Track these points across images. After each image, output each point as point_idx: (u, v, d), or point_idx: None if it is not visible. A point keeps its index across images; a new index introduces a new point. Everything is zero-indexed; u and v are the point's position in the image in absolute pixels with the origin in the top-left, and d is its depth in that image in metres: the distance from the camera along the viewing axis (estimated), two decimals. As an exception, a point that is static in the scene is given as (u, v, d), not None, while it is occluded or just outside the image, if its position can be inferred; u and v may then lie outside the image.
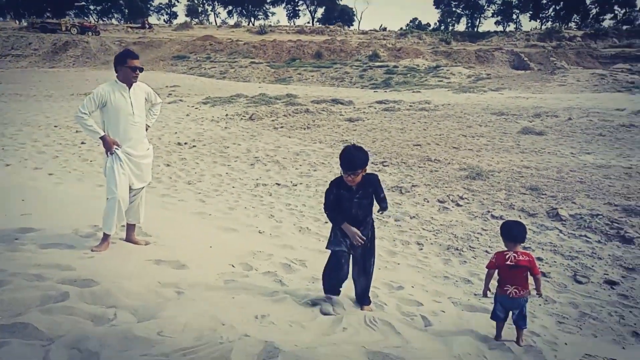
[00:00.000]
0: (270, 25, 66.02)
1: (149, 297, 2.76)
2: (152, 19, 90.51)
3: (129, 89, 4.24)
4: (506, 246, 3.39)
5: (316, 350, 2.16)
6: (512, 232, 3.35)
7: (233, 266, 4.23)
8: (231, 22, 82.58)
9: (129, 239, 4.51)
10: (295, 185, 8.17)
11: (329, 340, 2.42)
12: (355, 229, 3.53)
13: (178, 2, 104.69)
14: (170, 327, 2.28)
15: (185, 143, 11.32)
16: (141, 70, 4.29)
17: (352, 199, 3.52)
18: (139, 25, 59.87)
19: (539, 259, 5.53)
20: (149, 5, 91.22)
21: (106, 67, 37.48)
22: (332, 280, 3.77)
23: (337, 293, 3.82)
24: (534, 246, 5.78)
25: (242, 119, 14.91)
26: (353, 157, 3.36)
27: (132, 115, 4.25)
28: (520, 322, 3.37)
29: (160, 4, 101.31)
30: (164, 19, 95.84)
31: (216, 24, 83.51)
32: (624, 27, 56.52)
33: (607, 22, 67.60)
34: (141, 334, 2.17)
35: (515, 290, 3.27)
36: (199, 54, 43.00)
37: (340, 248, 3.61)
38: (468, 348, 2.99)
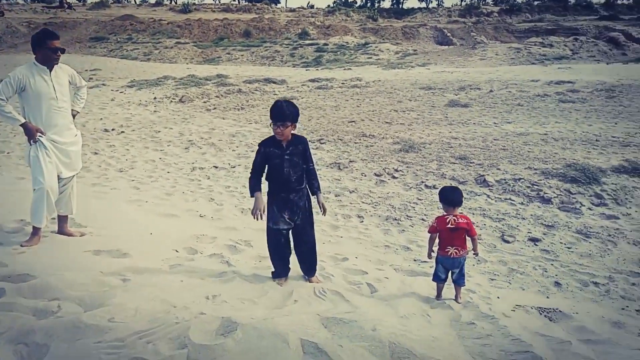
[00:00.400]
0: (194, 4, 63.29)
1: (93, 286, 2.65)
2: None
3: (50, 71, 3.98)
4: (445, 210, 3.61)
5: (273, 320, 2.21)
6: (451, 197, 3.61)
7: (177, 251, 4.16)
8: (152, 0, 78.32)
9: (61, 231, 4.28)
10: (234, 167, 8.07)
11: (282, 313, 2.48)
12: (260, 203, 3.46)
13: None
14: (122, 314, 2.23)
15: (113, 129, 10.75)
16: (63, 51, 4.03)
17: (283, 156, 3.50)
18: (57, 4, 53.94)
19: (470, 222, 5.92)
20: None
21: (14, 51, 34.40)
22: (276, 260, 3.74)
23: (286, 274, 3.79)
24: (465, 211, 6.15)
25: (171, 101, 14.36)
26: (283, 108, 3.37)
27: (55, 100, 3.99)
28: (460, 280, 3.63)
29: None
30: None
31: (135, 2, 78.84)
32: (535, 3, 60.11)
33: (521, -2, 71.42)
34: (91, 322, 2.11)
35: (455, 250, 3.52)
36: (119, 35, 40.56)
37: (277, 226, 3.58)
38: (412, 309, 3.18)
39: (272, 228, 3.63)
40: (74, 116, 4.31)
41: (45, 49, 3.89)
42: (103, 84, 18.15)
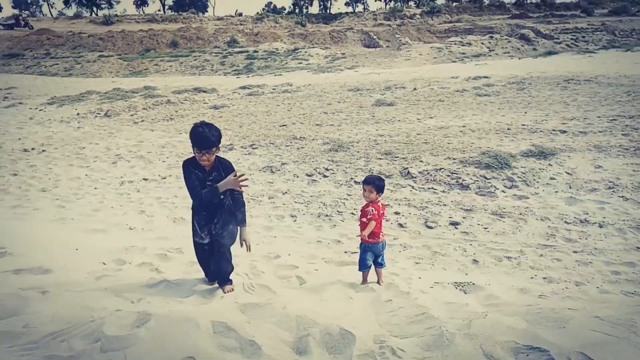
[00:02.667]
0: (116, 15, 60.99)
1: (7, 301, 2.59)
2: (-32, 13, 77.86)
3: None
4: (375, 197, 3.74)
5: (188, 309, 2.31)
6: (383, 185, 3.80)
7: (104, 264, 4.11)
8: (69, 12, 74.57)
9: None
10: (164, 177, 7.98)
11: (204, 306, 2.57)
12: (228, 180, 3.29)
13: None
14: (37, 320, 2.23)
15: (33, 148, 10.22)
16: None
17: (205, 182, 3.32)
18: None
19: (396, 212, 6.27)
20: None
21: None
22: (203, 268, 3.68)
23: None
24: (392, 202, 6.49)
25: (96, 116, 13.83)
26: (206, 135, 3.16)
27: None
28: (383, 262, 3.88)
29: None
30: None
31: (52, 15, 74.71)
32: (454, 4, 63.44)
33: (440, 0, 75.11)
34: (3, 329, 2.10)
35: (382, 234, 3.77)
36: (36, 51, 38.24)
37: (199, 240, 3.48)
38: (337, 294, 3.37)
39: (197, 243, 3.54)
40: None
41: None
42: (20, 103, 17.13)
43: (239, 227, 3.49)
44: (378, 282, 3.87)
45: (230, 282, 3.58)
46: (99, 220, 6.12)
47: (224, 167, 3.39)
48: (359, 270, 3.94)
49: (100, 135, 11.40)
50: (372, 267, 3.93)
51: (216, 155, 3.36)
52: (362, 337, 2.08)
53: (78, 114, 14.33)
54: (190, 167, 3.33)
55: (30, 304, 2.49)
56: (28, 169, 8.77)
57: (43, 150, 10.04)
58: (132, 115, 13.82)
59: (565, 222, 5.72)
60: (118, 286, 3.18)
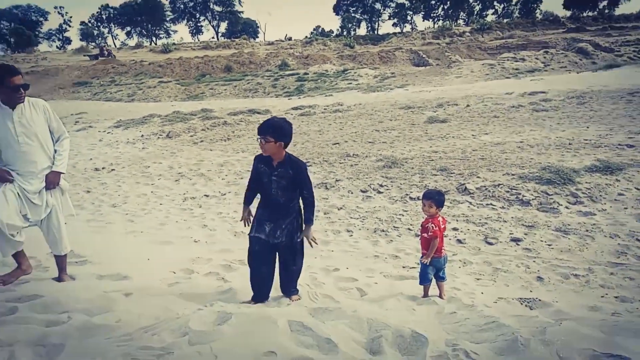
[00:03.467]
0: (174, 44, 64.53)
1: (98, 301, 2.83)
2: (43, 47, 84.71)
3: (13, 111, 3.55)
4: (435, 212, 3.75)
5: (265, 312, 2.43)
6: (443, 199, 3.79)
7: (174, 272, 4.35)
8: (132, 43, 79.62)
9: (58, 277, 3.84)
10: (224, 194, 8.30)
11: (277, 308, 2.68)
12: (244, 212, 3.52)
13: (70, 26, 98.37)
14: (127, 317, 2.42)
15: (103, 168, 10.95)
16: (26, 87, 3.59)
17: (271, 176, 3.40)
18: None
19: (455, 229, 6.19)
20: (37, 32, 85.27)
21: None
22: (253, 277, 3.54)
23: (262, 299, 3.54)
24: (449, 219, 6.43)
25: (159, 137, 14.63)
26: (267, 121, 3.36)
27: (17, 144, 3.55)
28: (444, 276, 3.86)
29: (50, 30, 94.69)
30: (56, 46, 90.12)
31: (115, 46, 80.00)
32: (505, 21, 62.28)
33: (490, 17, 74.12)
34: (100, 323, 2.30)
35: (444, 249, 3.77)
36: (102, 79, 41.04)
37: (256, 234, 3.44)
38: (398, 305, 3.39)
39: (250, 236, 3.51)
40: (56, 180, 3.76)
41: (6, 87, 3.46)
42: (90, 126, 18.40)
43: (305, 225, 3.50)
44: (440, 296, 3.85)
45: (297, 291, 3.64)
46: (166, 233, 6.45)
47: (293, 166, 3.43)
48: (420, 284, 3.93)
49: (163, 155, 12.03)
50: (433, 281, 3.92)
51: (288, 153, 3.45)
52: (434, 340, 2.10)
53: (142, 135, 15.21)
54: (255, 160, 3.52)
55: (118, 304, 2.71)
56: (99, 187, 9.39)
57: (112, 170, 10.72)
58: (191, 136, 14.49)
59: (637, 239, 5.44)
60: (191, 292, 3.37)
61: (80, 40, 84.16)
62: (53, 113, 3.87)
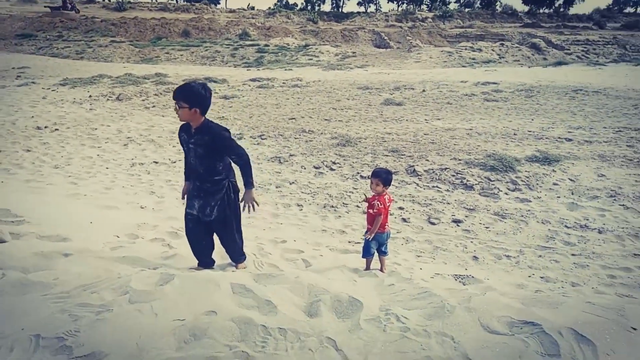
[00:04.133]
0: (129, 2, 61.09)
1: (35, 259, 2.75)
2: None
3: None
4: (381, 190, 3.84)
5: (209, 274, 2.46)
6: (390, 178, 3.88)
7: (118, 237, 4.27)
8: (83, -4, 74.65)
9: None
10: (174, 162, 8.13)
11: (221, 272, 2.73)
12: (184, 190, 3.43)
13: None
14: (65, 276, 2.38)
15: (46, 127, 10.40)
16: None
17: (189, 144, 3.27)
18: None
19: (401, 208, 6.41)
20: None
21: None
22: (192, 248, 3.53)
23: (208, 266, 3.54)
24: (397, 198, 6.63)
25: (108, 99, 14.01)
26: (182, 86, 3.15)
27: None
28: (386, 251, 4.02)
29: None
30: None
31: (65, -2, 74.79)
32: (466, 10, 63.42)
33: (453, 6, 75.16)
34: (37, 280, 2.25)
35: (387, 225, 3.90)
36: (49, 32, 38.51)
37: (188, 209, 3.38)
38: (341, 276, 3.52)
39: (186, 212, 3.44)
40: None
41: None
42: (32, 82, 17.33)
43: (245, 189, 3.32)
44: (381, 270, 4.02)
45: (243, 259, 3.62)
46: (111, 197, 6.28)
47: (210, 132, 3.19)
48: (363, 257, 4.08)
49: (112, 117, 11.57)
50: (376, 255, 4.07)
51: (207, 120, 3.24)
52: (369, 306, 2.22)
53: (90, 96, 14.51)
54: (179, 129, 3.37)
55: (56, 263, 2.65)
56: (41, 146, 8.94)
57: (56, 129, 10.21)
58: (143, 100, 13.99)
59: (566, 226, 5.84)
60: (134, 256, 3.34)
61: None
62: None
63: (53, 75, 19.76)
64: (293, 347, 1.91)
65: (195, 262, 3.64)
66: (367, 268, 4.08)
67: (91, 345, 1.83)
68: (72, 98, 14.14)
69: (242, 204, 3.33)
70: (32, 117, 11.44)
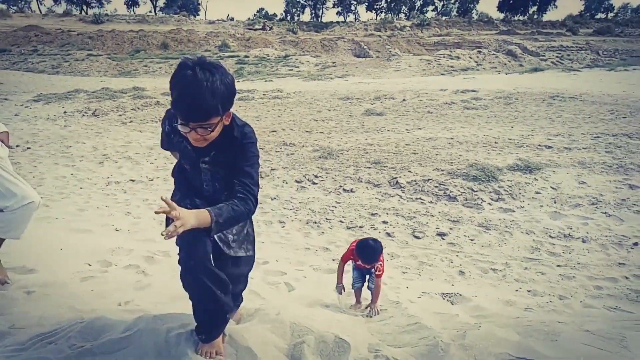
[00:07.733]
0: (106, 14, 60.52)
1: (-8, 301, 2.55)
2: (-46, 6, 76.28)
3: None
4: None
5: (179, 312, 2.29)
6: (372, 254, 3.14)
7: (89, 265, 4.05)
8: (59, 10, 73.85)
9: None
10: (152, 179, 7.91)
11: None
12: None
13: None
14: (23, 322, 2.18)
15: (17, 145, 10.05)
16: None
17: (197, 162, 2.06)
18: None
19: (384, 222, 6.30)
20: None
21: None
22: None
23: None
24: (380, 212, 6.53)
25: (84, 115, 13.68)
26: (196, 89, 1.79)
27: None
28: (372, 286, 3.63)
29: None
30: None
31: (40, 12, 73.83)
32: (444, 18, 64.41)
33: (430, 14, 76.31)
34: (-12, 329, 2.05)
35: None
36: (23, 47, 37.77)
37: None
38: (325, 308, 3.36)
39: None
40: None
41: None
42: (5, 99, 16.86)
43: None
44: (372, 302, 3.84)
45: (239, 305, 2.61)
46: (85, 220, 6.03)
47: (237, 142, 2.01)
48: (351, 288, 3.83)
49: (87, 134, 11.26)
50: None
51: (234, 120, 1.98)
52: (356, 346, 2.08)
53: (65, 112, 14.16)
54: (166, 120, 2.11)
55: (16, 304, 2.44)
56: (12, 166, 8.61)
57: (28, 148, 9.88)
58: (120, 115, 13.70)
59: (550, 236, 5.81)
60: (104, 288, 3.14)
61: (1, 3, 76.80)
62: None
63: (27, 91, 19.27)
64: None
65: (170, 291, 3.45)
66: (358, 301, 3.64)
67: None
68: (46, 115, 13.77)
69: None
70: (4, 135, 11.06)
